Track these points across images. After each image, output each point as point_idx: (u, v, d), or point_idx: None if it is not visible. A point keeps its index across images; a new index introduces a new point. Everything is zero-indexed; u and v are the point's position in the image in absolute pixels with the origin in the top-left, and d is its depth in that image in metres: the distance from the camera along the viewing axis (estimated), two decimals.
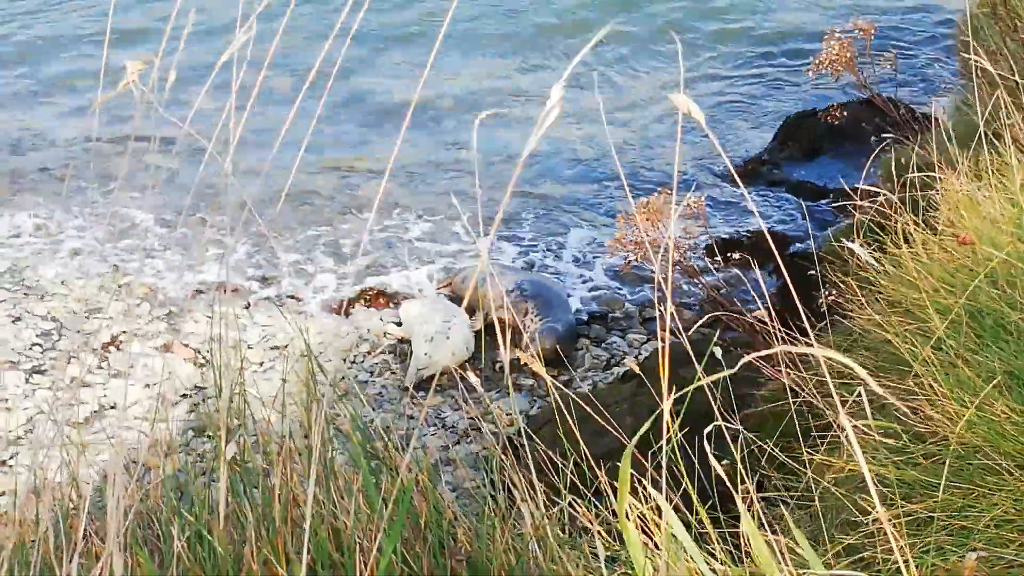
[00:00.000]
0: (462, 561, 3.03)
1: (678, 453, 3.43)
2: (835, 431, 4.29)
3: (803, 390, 4.52)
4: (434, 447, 7.97)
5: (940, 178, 5.31)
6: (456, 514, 3.15)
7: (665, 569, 2.75)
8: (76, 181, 12.48)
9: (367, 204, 12.15)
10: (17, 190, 12.24)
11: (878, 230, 5.73)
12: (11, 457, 7.99)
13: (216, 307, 9.49)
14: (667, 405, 2.46)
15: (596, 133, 13.89)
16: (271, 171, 3.89)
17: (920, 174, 5.30)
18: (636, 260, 8.02)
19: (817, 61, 9.38)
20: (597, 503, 3.68)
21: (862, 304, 4.89)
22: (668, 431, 2.47)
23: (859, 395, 2.76)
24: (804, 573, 2.61)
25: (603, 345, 9.72)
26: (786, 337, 4.74)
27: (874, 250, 5.12)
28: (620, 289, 10.69)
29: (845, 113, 11.17)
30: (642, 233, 7.65)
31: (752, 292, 7.78)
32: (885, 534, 3.56)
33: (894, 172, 5.40)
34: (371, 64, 15.78)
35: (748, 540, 2.50)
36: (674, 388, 3.04)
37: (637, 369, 4.57)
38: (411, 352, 9.32)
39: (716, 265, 9.48)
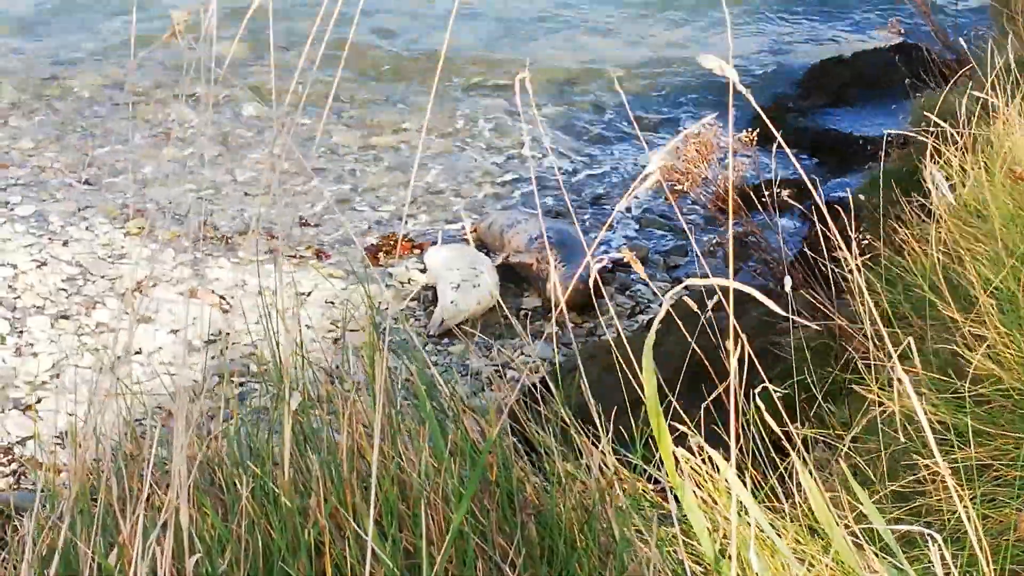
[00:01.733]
0: (531, 515, 2.99)
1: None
2: (876, 378, 4.23)
3: (836, 338, 4.48)
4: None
5: (993, 114, 5.22)
6: (525, 469, 3.11)
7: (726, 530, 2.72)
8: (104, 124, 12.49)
9: (400, 160, 12.13)
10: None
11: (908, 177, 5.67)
12: (37, 402, 8.00)
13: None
14: (732, 363, 2.40)
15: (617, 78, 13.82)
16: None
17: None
18: (685, 190, 7.97)
19: None
20: (627, 452, 3.65)
21: (908, 246, 4.81)
22: (734, 380, 2.41)
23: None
24: (864, 527, 2.56)
25: (627, 293, 9.68)
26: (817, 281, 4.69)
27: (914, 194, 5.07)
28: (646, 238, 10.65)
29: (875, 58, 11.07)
30: (691, 164, 7.61)
31: (779, 238, 7.78)
32: (938, 482, 3.50)
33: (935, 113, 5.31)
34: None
35: (802, 491, 2.46)
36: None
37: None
38: (437, 299, 9.31)
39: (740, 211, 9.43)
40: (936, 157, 5.21)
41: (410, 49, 14.70)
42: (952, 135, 5.05)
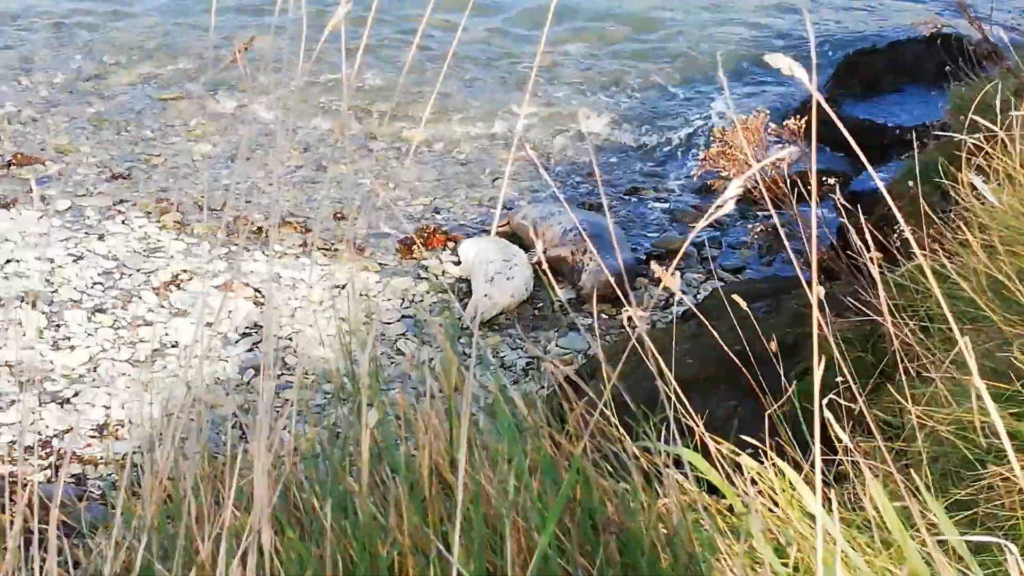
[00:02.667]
0: (614, 535, 2.96)
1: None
2: (921, 373, 4.18)
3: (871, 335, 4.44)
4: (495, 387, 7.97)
5: None
6: (604, 487, 3.07)
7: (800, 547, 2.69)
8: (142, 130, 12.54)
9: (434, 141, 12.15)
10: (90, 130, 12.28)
11: (944, 169, 5.62)
12: (75, 395, 8.04)
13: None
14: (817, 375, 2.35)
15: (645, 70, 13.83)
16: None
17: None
18: (731, 176, 7.94)
19: None
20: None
21: (953, 242, 4.76)
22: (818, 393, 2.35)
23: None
24: (937, 539, 2.52)
25: (662, 284, 9.66)
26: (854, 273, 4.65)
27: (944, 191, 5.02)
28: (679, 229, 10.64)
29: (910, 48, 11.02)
30: (737, 151, 7.59)
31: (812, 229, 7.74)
32: (1002, 490, 3.45)
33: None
34: None
35: (873, 505, 2.43)
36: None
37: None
38: (471, 291, 9.32)
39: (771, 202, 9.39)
40: (975, 154, 5.16)
41: (441, 43, 14.71)
42: (991, 130, 4.99)
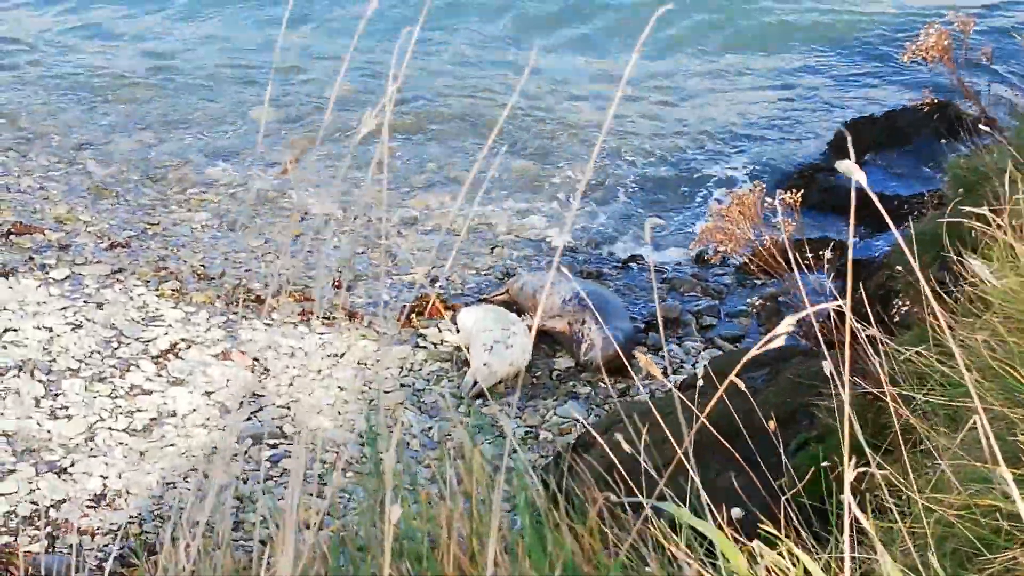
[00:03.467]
0: None
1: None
2: (921, 443, 4.15)
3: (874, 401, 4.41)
4: (491, 455, 7.94)
5: None
6: None
7: None
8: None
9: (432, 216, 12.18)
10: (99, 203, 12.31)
11: (946, 236, 5.62)
12: (72, 465, 8.01)
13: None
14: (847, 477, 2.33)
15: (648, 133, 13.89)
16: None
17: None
18: (727, 252, 7.98)
19: (913, 47, 9.27)
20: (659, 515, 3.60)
21: (956, 319, 4.72)
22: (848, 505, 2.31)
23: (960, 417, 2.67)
24: None
25: (660, 353, 9.67)
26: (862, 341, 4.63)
27: (946, 263, 5.00)
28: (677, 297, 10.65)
29: (913, 112, 11.06)
30: (734, 226, 7.62)
31: (811, 298, 7.75)
32: (1015, 573, 3.42)
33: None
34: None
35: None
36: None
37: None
38: (469, 360, 9.32)
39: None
40: (975, 227, 5.14)
41: (440, 111, 14.77)
42: (991, 200, 4.98)
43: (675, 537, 3.12)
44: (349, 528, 3.47)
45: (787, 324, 2.33)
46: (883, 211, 2.61)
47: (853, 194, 2.51)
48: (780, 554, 2.91)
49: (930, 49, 9.39)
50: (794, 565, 2.88)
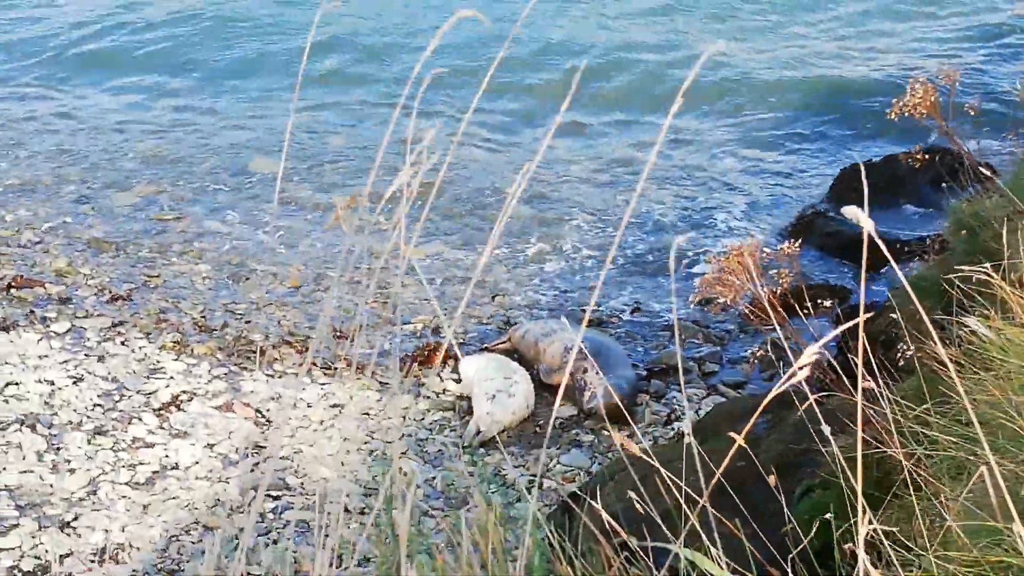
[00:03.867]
0: None
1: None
2: (923, 492, 4.13)
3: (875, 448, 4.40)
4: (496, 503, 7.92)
5: None
6: None
7: None
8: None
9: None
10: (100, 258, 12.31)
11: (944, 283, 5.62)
12: (74, 519, 7.99)
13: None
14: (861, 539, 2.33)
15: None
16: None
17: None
18: (728, 303, 8.01)
19: (900, 104, 9.30)
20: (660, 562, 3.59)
21: (963, 374, 4.70)
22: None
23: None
24: None
25: (663, 400, 9.66)
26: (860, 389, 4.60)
27: (946, 314, 4.99)
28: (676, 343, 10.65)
29: (909, 162, 11.08)
30: (733, 276, 7.65)
31: (809, 345, 7.74)
32: None
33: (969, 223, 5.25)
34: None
35: None
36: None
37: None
38: (472, 408, 9.32)
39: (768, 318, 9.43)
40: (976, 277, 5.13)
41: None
42: (991, 247, 4.97)
43: None
44: None
45: (809, 355, 2.33)
46: (889, 256, 2.61)
47: (866, 238, 2.50)
48: None
49: (917, 105, 9.42)
50: None
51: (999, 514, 3.45)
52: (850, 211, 2.33)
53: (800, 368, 2.34)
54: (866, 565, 2.50)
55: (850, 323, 2.62)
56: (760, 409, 2.76)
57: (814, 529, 4.21)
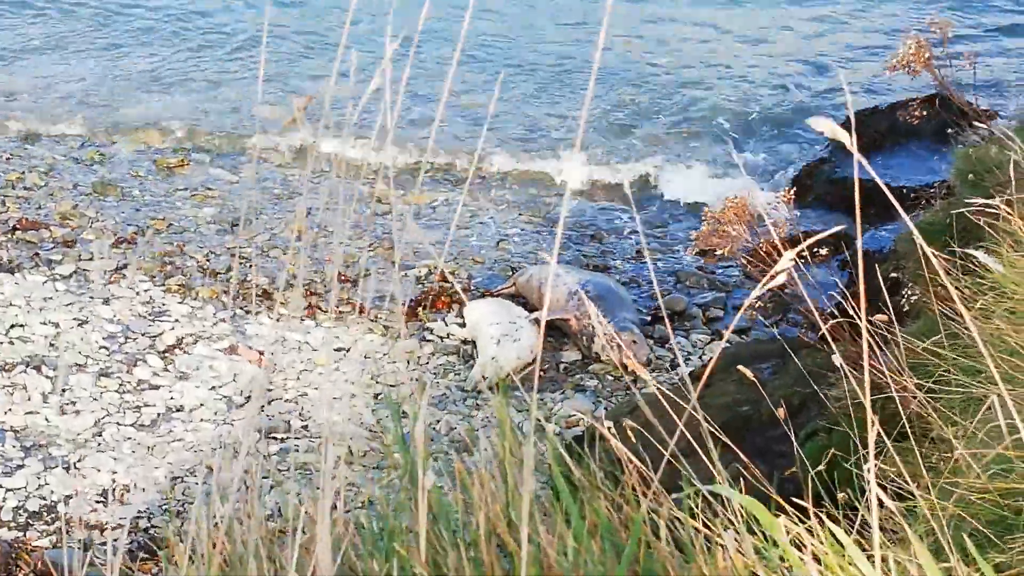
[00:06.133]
0: None
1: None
2: (932, 434, 4.14)
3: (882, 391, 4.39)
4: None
5: None
6: (663, 550, 3.00)
7: None
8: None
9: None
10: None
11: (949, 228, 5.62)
12: (80, 460, 8.03)
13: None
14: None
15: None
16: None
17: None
18: (725, 253, 8.02)
19: (894, 59, 9.28)
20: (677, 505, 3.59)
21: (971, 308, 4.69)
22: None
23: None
24: None
25: (667, 345, 9.68)
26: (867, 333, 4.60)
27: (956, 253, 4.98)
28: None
29: (909, 111, 11.06)
30: (729, 227, 7.66)
31: (817, 290, 7.76)
32: None
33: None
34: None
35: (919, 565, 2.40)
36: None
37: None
38: (476, 353, 9.33)
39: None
40: (983, 218, 5.11)
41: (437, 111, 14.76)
42: (998, 191, 4.96)
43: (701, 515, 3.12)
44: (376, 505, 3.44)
45: (787, 260, 2.31)
46: (893, 200, 2.60)
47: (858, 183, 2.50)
48: (808, 529, 2.90)
49: (911, 61, 9.39)
50: (821, 541, 2.87)
51: (1009, 443, 3.47)
52: (819, 123, 2.25)
53: (780, 272, 2.32)
54: (875, 489, 2.51)
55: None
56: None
57: (822, 466, 4.22)
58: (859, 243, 2.86)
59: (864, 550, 2.54)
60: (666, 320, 10.13)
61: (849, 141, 2.17)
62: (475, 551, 2.98)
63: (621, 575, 2.65)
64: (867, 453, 2.56)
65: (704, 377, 2.83)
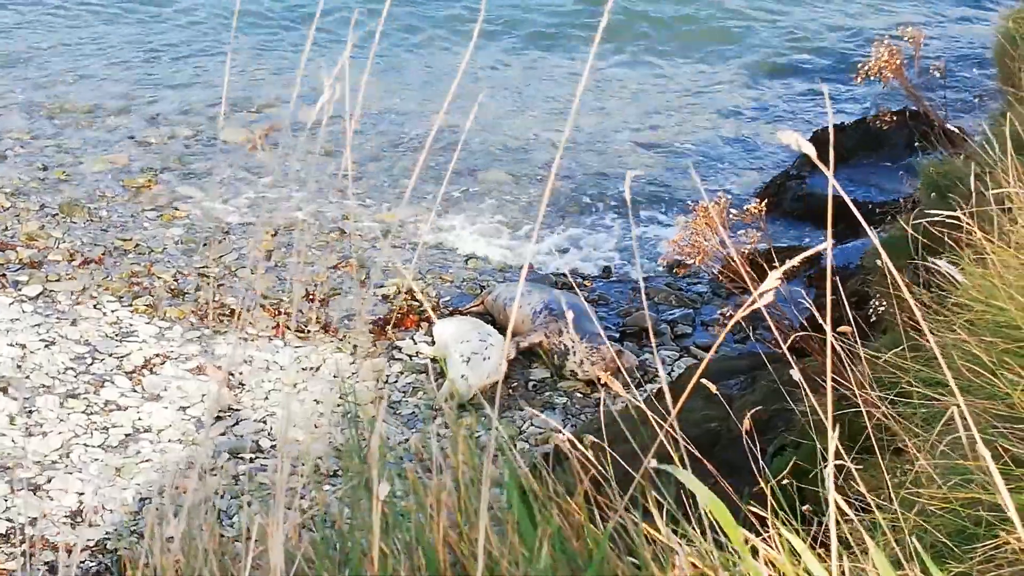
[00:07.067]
0: None
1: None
2: (900, 450, 4.16)
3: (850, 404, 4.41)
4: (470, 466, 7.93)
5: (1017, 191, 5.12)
6: (616, 562, 3.01)
7: None
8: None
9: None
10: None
11: (918, 242, 5.63)
12: (47, 481, 7.99)
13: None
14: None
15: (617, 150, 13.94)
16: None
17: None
18: (696, 264, 8.03)
19: (865, 67, 9.31)
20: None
21: (933, 321, 4.72)
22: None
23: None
24: None
25: (648, 362, 9.69)
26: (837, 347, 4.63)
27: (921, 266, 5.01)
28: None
29: (879, 124, 11.11)
30: (701, 238, 7.67)
31: (784, 306, 7.79)
32: (1002, 560, 3.43)
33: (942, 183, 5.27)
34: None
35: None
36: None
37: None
38: (445, 371, 9.32)
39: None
40: (945, 231, 5.15)
41: (415, 130, 14.78)
42: (962, 205, 4.98)
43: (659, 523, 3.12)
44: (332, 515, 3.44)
45: (773, 279, 2.31)
46: (859, 215, 2.61)
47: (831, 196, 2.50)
48: (767, 540, 2.91)
49: (882, 68, 9.42)
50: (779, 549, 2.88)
51: (969, 455, 3.48)
52: (786, 136, 2.26)
53: (767, 291, 2.32)
54: (835, 497, 2.52)
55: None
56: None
57: (784, 478, 4.23)
58: (829, 257, 2.87)
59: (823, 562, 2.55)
60: (651, 336, 10.13)
61: (815, 155, 2.17)
62: (428, 558, 2.98)
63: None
64: (829, 463, 2.56)
65: (689, 388, 2.81)
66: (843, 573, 2.74)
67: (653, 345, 9.77)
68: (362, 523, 3.10)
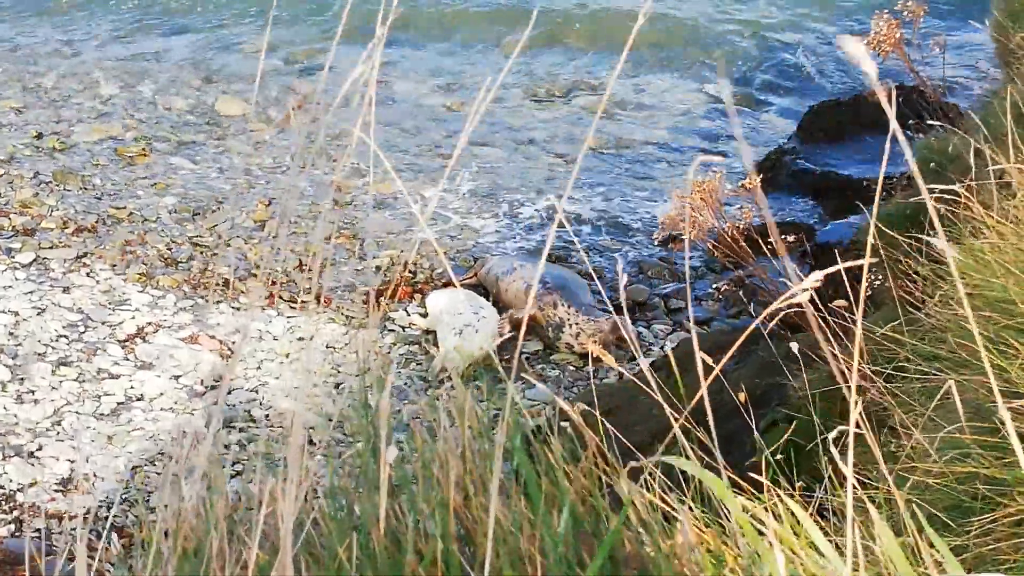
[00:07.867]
0: (635, 570, 2.89)
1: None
2: (893, 425, 4.16)
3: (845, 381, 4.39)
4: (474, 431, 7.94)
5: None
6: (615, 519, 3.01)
7: None
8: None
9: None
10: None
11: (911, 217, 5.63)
12: (39, 449, 7.98)
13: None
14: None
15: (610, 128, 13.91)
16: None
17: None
18: (692, 238, 8.03)
19: (864, 41, 9.28)
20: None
21: (928, 296, 4.73)
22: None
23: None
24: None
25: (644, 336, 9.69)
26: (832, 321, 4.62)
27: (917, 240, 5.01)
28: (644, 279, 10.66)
29: (875, 100, 11.08)
30: (696, 213, 7.66)
31: (778, 280, 7.79)
32: (995, 535, 3.44)
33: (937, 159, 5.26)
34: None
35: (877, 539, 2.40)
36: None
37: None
38: (437, 343, 9.31)
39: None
40: (944, 205, 5.14)
41: (409, 102, 14.75)
42: (958, 181, 4.98)
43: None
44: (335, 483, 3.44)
45: (815, 278, 2.28)
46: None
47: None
48: (765, 507, 2.91)
49: (881, 42, 9.39)
50: (777, 518, 2.88)
51: (966, 428, 3.49)
52: (847, 43, 2.14)
53: (808, 287, 2.29)
54: (839, 461, 2.51)
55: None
56: (747, 333, 2.75)
57: (779, 450, 4.24)
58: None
59: (825, 533, 2.55)
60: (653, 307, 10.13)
61: (874, 70, 2.07)
62: (438, 521, 2.98)
63: (605, 550, 2.65)
64: (827, 437, 2.56)
65: (702, 371, 2.80)
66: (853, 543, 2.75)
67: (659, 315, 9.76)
68: (371, 485, 3.09)
